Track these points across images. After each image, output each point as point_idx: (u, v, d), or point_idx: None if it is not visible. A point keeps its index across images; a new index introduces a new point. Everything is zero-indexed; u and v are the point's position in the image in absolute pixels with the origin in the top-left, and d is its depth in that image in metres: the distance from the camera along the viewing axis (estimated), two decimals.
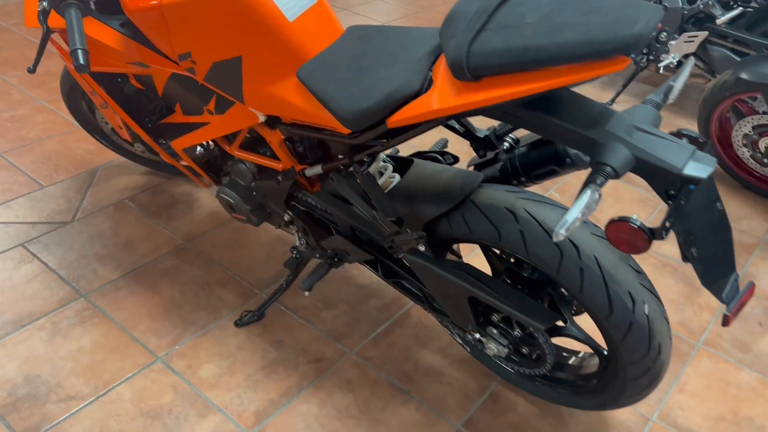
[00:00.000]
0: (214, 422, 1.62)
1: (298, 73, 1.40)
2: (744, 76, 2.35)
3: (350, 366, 1.80)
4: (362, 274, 2.09)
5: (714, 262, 1.17)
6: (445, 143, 1.75)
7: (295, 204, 1.74)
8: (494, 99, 1.09)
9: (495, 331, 1.54)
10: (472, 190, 1.41)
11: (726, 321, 1.18)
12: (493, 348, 1.56)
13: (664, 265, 2.24)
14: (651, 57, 3.07)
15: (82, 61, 1.32)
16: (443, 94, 1.16)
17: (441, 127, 2.26)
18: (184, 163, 1.93)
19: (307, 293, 1.82)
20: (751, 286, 1.22)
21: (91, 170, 2.48)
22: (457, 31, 1.15)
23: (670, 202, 1.11)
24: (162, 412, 1.64)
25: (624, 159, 1.08)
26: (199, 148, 1.85)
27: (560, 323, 1.55)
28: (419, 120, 1.20)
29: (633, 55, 1.02)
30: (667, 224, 1.08)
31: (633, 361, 1.36)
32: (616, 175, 1.07)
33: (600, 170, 1.07)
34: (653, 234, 1.07)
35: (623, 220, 1.08)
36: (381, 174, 1.61)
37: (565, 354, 1.68)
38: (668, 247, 2.32)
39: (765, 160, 2.49)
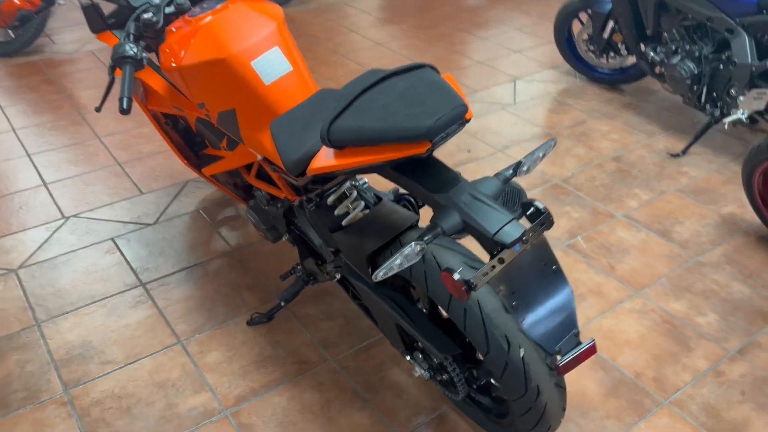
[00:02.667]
0: (203, 398, 2.00)
1: (270, 124, 1.74)
2: None
3: (327, 371, 2.09)
4: None
5: (546, 316, 1.32)
6: None
7: (293, 227, 2.07)
8: (349, 165, 1.35)
9: (420, 356, 1.76)
10: (401, 231, 1.66)
11: (558, 371, 1.32)
12: (417, 371, 1.77)
13: (664, 321, 2.27)
14: (723, 112, 3.03)
15: (124, 106, 1.76)
16: (320, 157, 1.44)
17: None
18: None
19: (282, 303, 2.15)
20: (592, 344, 1.34)
21: (181, 183, 3.00)
22: (329, 109, 1.43)
23: (493, 260, 1.29)
24: (167, 384, 2.05)
25: (453, 222, 1.29)
26: (229, 175, 2.26)
27: (480, 356, 1.73)
28: (313, 174, 1.48)
29: (435, 140, 1.24)
30: (482, 278, 1.26)
31: (513, 399, 1.52)
32: (444, 233, 1.28)
33: (431, 228, 1.29)
34: (469, 285, 1.26)
35: (447, 271, 1.28)
36: (355, 208, 1.89)
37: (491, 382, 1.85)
38: (677, 306, 2.34)
39: None
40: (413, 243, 1.27)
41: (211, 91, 1.80)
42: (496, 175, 1.41)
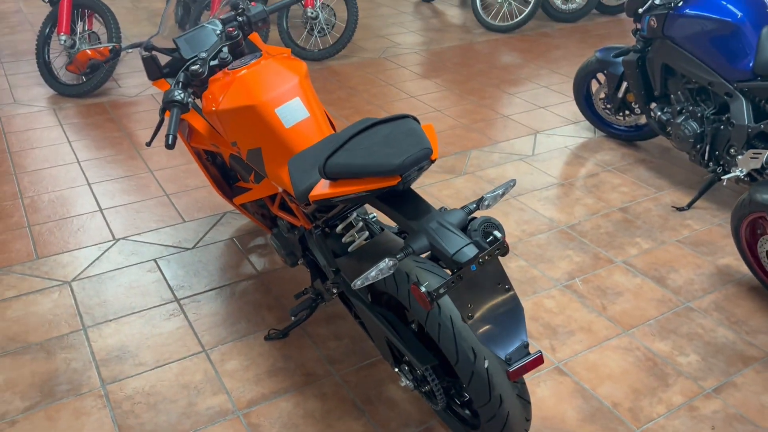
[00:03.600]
0: (220, 400, 2.27)
1: (288, 161, 2.05)
2: (756, 197, 2.50)
3: (331, 384, 2.34)
4: None
5: (498, 327, 1.55)
6: None
7: (307, 252, 2.35)
8: (339, 193, 1.63)
9: (406, 368, 2.00)
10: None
11: (508, 376, 1.55)
12: (404, 381, 2.01)
13: (647, 359, 2.44)
14: (725, 170, 3.22)
15: (169, 142, 2.09)
16: (319, 187, 1.72)
17: None
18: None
19: (292, 318, 2.42)
20: (539, 355, 1.56)
21: (220, 214, 3.34)
22: (327, 147, 1.73)
23: (453, 276, 1.54)
24: (190, 386, 2.33)
25: (422, 244, 1.55)
26: (257, 206, 2.57)
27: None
28: (313, 200, 1.76)
29: (406, 175, 1.51)
30: (441, 290, 1.51)
31: (479, 406, 1.74)
32: (414, 252, 1.54)
33: (403, 248, 1.55)
34: (431, 296, 1.51)
35: (414, 284, 1.53)
36: (360, 237, 2.16)
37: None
38: (661, 345, 2.51)
39: None
40: (387, 258, 1.54)
41: (242, 131, 2.12)
42: (462, 207, 1.67)
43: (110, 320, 2.62)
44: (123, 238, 3.15)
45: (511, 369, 1.55)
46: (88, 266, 2.94)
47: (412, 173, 1.57)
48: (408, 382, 2.00)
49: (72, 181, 3.64)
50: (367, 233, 2.15)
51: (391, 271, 1.55)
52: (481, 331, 1.54)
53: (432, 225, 1.57)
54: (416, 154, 1.53)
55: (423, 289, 1.51)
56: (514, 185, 1.66)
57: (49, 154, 3.92)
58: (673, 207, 3.41)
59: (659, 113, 3.47)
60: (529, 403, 1.78)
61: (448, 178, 3.69)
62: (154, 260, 2.99)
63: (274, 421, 2.20)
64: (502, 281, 1.56)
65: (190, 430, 2.15)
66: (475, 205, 1.68)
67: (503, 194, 1.70)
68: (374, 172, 1.55)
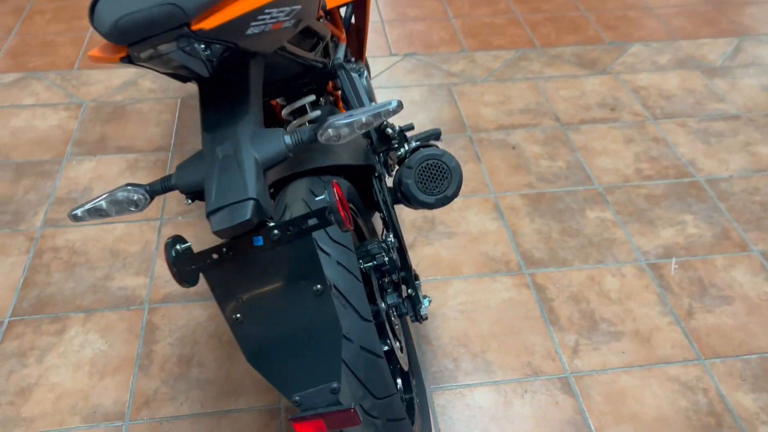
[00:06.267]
0: (137, 283, 1.90)
1: None
2: None
3: None
4: None
5: (290, 349, 0.91)
6: None
7: None
8: None
9: None
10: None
11: (291, 422, 0.92)
12: None
13: (710, 411, 1.60)
14: None
15: None
16: None
17: None
18: None
19: None
20: (350, 410, 0.90)
21: None
22: None
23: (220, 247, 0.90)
24: (119, 256, 1.98)
25: (190, 179, 0.92)
26: None
27: None
28: None
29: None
30: (191, 266, 0.89)
31: None
32: (176, 187, 0.93)
33: (162, 180, 0.93)
34: (173, 268, 0.90)
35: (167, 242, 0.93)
36: None
37: None
38: (745, 400, 1.63)
39: None
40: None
41: None
42: (298, 130, 0.96)
43: (94, 156, 2.33)
44: None
45: (297, 416, 0.92)
46: (112, 89, 2.65)
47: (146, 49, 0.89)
48: None
49: None
50: None
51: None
52: (252, 348, 0.91)
53: (224, 149, 0.92)
54: (147, 11, 0.84)
55: (168, 257, 0.91)
56: (395, 108, 0.89)
57: None
58: None
59: None
60: None
61: (580, 74, 2.75)
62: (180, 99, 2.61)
63: (175, 329, 1.79)
64: (312, 277, 0.90)
65: (86, 308, 1.83)
66: (308, 133, 0.96)
67: (370, 123, 0.94)
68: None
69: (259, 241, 0.87)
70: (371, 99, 1.85)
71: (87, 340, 1.76)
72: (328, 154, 1.37)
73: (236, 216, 0.85)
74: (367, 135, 1.39)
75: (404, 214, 2.10)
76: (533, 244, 2.02)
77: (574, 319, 1.81)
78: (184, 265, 0.89)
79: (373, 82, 2.69)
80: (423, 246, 2.01)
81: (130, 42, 0.86)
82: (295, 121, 1.52)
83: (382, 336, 1.29)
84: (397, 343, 1.38)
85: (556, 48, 2.92)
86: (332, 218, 0.87)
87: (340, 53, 1.81)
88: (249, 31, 0.93)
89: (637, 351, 1.73)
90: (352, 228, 0.91)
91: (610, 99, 2.62)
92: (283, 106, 1.55)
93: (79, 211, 0.96)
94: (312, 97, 1.51)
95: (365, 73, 1.85)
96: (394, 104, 0.93)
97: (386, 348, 1.30)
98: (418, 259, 1.97)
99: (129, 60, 0.89)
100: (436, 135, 1.56)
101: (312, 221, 0.87)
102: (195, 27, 0.85)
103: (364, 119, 0.92)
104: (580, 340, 1.76)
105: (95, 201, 0.96)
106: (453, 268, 1.94)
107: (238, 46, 0.94)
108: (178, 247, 0.91)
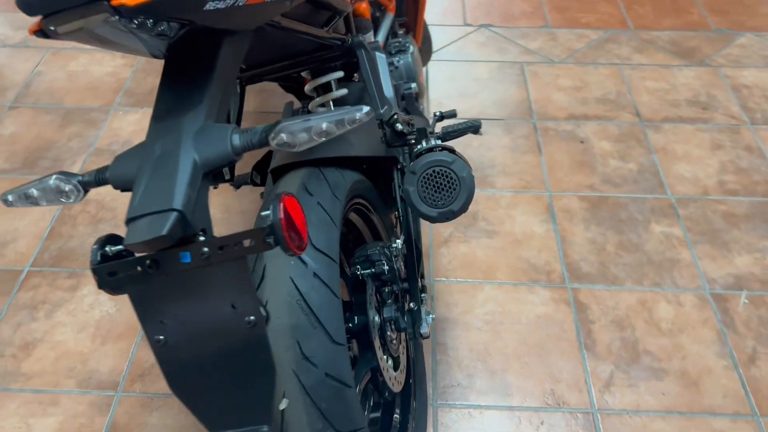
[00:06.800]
0: None
1: None
2: None
3: None
4: None
5: (208, 378, 0.79)
6: None
7: None
8: None
9: None
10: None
11: None
12: None
13: None
14: None
15: None
16: None
17: None
18: None
19: None
20: None
21: None
22: None
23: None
24: None
25: (122, 171, 0.80)
26: None
27: None
28: None
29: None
30: (116, 275, 0.77)
31: None
32: (106, 181, 0.81)
33: (97, 172, 0.82)
34: (97, 276, 0.78)
35: None
36: None
37: None
38: None
39: None
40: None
41: None
42: (249, 130, 0.81)
43: (141, 108, 2.28)
44: None
45: None
46: None
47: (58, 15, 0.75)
48: None
49: None
50: None
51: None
52: (171, 375, 0.79)
53: (165, 145, 0.79)
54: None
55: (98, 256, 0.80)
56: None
57: None
58: None
59: None
60: None
61: (673, 64, 2.45)
62: None
63: None
64: (244, 305, 0.76)
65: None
66: (262, 133, 0.80)
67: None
68: None
69: (187, 257, 0.75)
70: (416, 76, 1.67)
71: (97, 300, 1.72)
72: (341, 143, 1.22)
73: (152, 229, 0.73)
74: (380, 126, 1.23)
75: None
76: (583, 255, 1.81)
77: (614, 348, 1.60)
78: (106, 271, 0.78)
79: (439, 55, 2.50)
80: (458, 243, 1.84)
81: (39, 14, 0.74)
82: (317, 99, 1.38)
83: (369, 353, 1.16)
84: (390, 361, 1.25)
85: (650, 32, 2.61)
86: (271, 241, 0.73)
87: (385, 25, 1.63)
88: (208, 6, 0.79)
89: (681, 395, 1.52)
90: (301, 252, 0.77)
91: (704, 96, 2.31)
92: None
93: (10, 196, 0.86)
94: (339, 74, 1.35)
95: (411, 48, 1.67)
96: (363, 112, 0.76)
97: (373, 365, 1.17)
98: (450, 256, 1.80)
99: (43, 34, 0.77)
100: (474, 128, 1.38)
101: (247, 242, 0.73)
102: (115, 2, 0.71)
103: (324, 126, 0.77)
104: (615, 372, 1.56)
105: (27, 186, 0.86)
106: (486, 272, 1.77)
107: (196, 23, 0.80)
108: (107, 249, 0.80)
